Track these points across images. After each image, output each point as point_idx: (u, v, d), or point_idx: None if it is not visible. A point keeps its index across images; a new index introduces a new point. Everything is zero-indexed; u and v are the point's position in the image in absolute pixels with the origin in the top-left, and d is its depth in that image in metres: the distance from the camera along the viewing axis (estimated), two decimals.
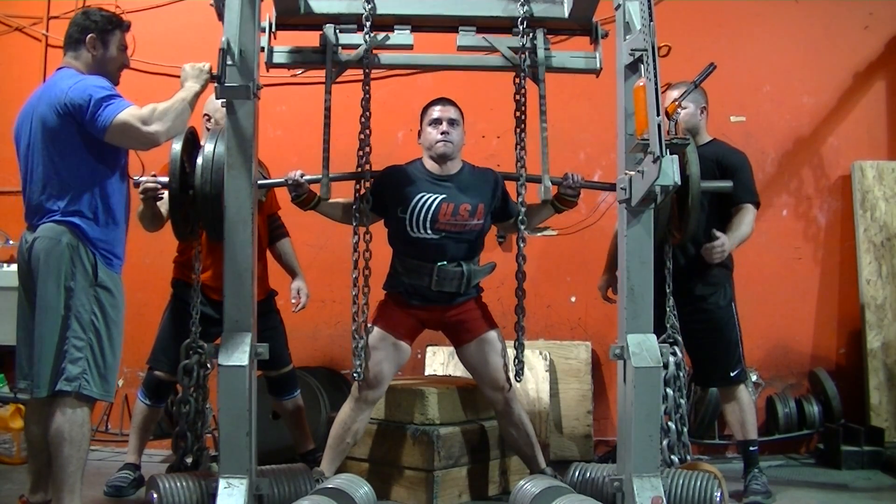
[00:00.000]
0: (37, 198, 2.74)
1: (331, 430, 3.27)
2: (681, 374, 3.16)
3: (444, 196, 3.24)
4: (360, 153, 3.15)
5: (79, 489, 2.66)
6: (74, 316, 2.66)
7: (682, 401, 3.15)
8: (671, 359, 3.12)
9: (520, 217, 3.17)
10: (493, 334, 3.34)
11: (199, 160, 2.93)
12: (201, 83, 2.84)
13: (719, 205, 3.51)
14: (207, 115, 3.60)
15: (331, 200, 3.22)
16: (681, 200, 3.15)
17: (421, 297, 3.30)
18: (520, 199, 3.19)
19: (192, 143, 3.09)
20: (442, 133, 3.28)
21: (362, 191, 3.19)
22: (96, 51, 2.84)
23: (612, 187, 3.18)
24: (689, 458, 3.17)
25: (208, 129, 3.56)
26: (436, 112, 3.33)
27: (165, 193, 3.04)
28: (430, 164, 3.33)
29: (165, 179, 3.00)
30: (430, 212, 3.22)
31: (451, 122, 3.31)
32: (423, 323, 3.38)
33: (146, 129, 2.67)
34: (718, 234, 3.42)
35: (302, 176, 3.13)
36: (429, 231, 3.23)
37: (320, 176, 3.12)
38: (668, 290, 3.22)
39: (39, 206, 2.73)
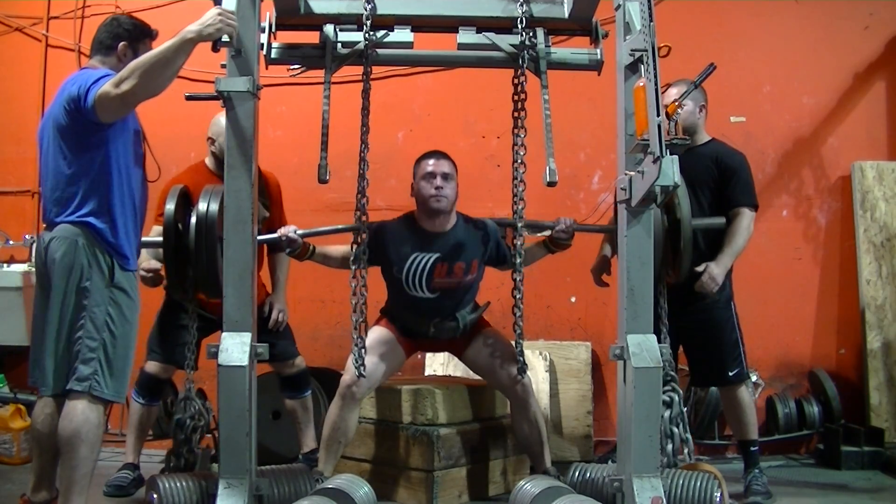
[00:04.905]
0: (52, 197, 2.72)
1: (322, 430, 3.28)
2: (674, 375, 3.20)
3: (437, 255, 3.25)
4: (361, 151, 3.13)
5: (87, 490, 2.64)
6: (89, 316, 2.63)
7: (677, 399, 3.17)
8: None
9: (518, 228, 3.15)
10: (489, 330, 3.38)
11: (193, 219, 2.91)
12: (197, 32, 2.55)
13: (719, 206, 3.50)
14: (211, 138, 3.55)
15: (326, 250, 3.31)
16: (673, 241, 3.18)
17: (420, 335, 3.37)
18: (516, 215, 3.16)
19: (185, 202, 3.07)
20: (436, 188, 3.25)
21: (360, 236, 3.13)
22: (126, 58, 2.81)
23: (604, 230, 3.23)
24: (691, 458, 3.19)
25: (213, 153, 3.55)
26: (429, 166, 3.28)
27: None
28: (422, 220, 3.32)
29: (158, 266, 3.19)
30: (426, 272, 3.25)
31: (445, 177, 3.27)
32: (421, 347, 3.45)
33: (116, 91, 2.52)
34: (701, 266, 3.36)
35: (295, 231, 3.17)
36: (425, 290, 3.27)
37: (314, 230, 3.23)
38: (663, 330, 3.19)
39: (54, 205, 2.71)
